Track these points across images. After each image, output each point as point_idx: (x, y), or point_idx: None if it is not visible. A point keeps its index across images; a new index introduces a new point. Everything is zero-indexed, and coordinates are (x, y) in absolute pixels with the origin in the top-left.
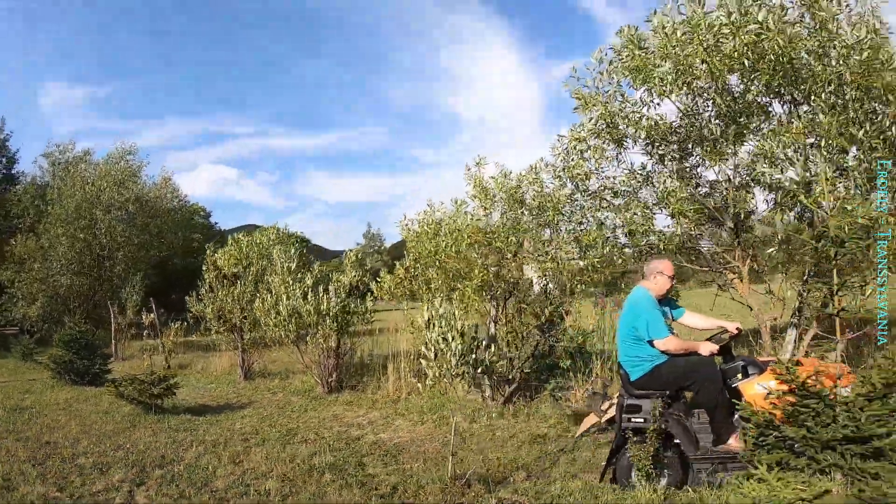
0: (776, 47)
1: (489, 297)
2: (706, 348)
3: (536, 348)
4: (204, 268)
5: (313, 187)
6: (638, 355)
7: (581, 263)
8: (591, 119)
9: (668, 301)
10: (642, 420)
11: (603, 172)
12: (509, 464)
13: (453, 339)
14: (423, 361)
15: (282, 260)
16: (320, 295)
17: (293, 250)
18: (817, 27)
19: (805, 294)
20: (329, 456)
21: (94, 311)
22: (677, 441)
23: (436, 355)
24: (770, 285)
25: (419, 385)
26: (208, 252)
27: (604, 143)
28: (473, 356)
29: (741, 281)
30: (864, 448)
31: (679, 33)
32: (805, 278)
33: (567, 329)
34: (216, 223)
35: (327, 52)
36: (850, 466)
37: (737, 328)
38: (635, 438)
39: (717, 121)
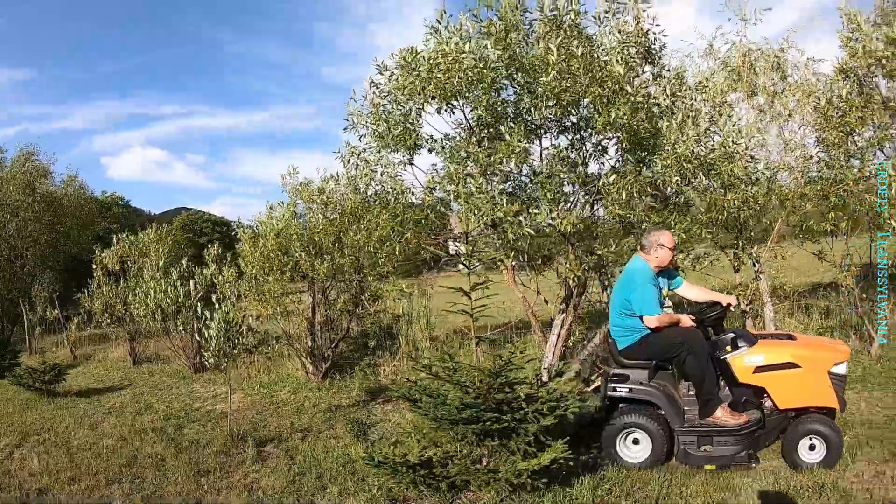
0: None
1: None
2: (686, 320)
3: (348, 331)
4: (94, 265)
5: (244, 168)
6: (628, 326)
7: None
8: (360, 137)
9: (666, 271)
10: (627, 389)
11: (399, 178)
12: (293, 426)
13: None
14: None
15: (155, 257)
16: (180, 289)
17: (164, 248)
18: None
19: None
20: (163, 422)
21: (10, 309)
22: (663, 412)
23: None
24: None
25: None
26: (96, 252)
27: (392, 152)
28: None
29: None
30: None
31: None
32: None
33: (378, 314)
34: (148, 210)
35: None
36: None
37: (728, 303)
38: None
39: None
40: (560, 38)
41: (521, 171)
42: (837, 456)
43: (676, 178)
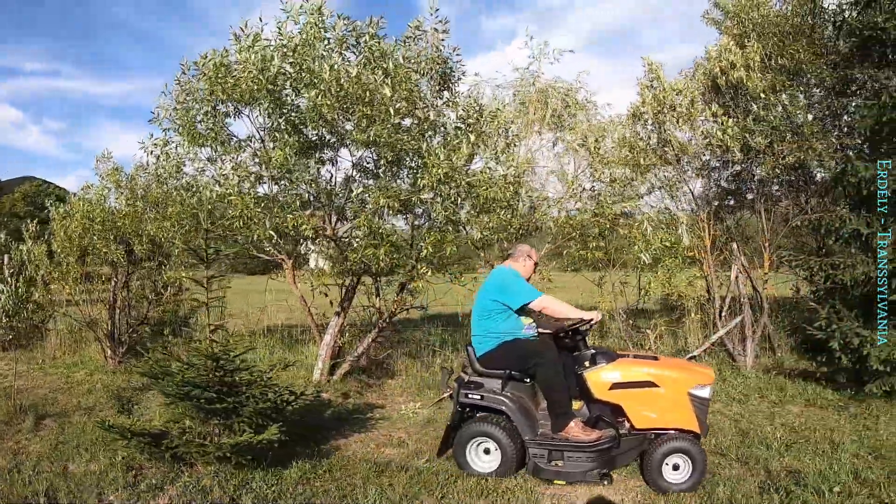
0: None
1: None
2: (591, 315)
3: (147, 317)
4: None
5: (105, 141)
6: (489, 330)
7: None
8: (164, 131)
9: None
10: (479, 397)
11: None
12: (79, 404)
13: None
14: None
15: None
16: None
17: None
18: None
19: None
20: None
21: None
22: (515, 423)
23: None
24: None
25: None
26: None
27: (198, 147)
28: None
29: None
30: None
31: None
32: None
33: (180, 302)
34: None
35: None
36: None
37: (592, 319)
38: (470, 414)
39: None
40: (335, 58)
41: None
42: (702, 475)
43: (429, 195)
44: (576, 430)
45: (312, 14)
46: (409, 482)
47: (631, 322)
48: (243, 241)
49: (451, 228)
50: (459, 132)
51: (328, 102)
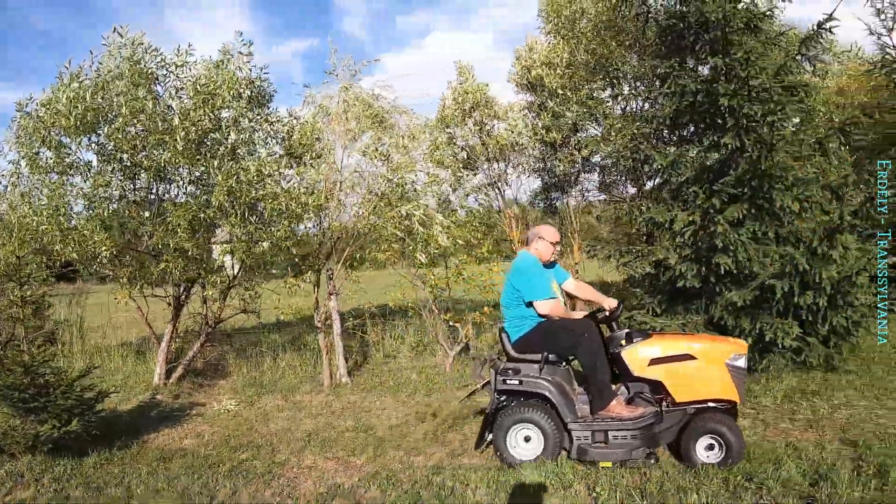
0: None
1: None
2: (611, 303)
3: (13, 335)
4: None
5: None
6: (520, 316)
7: None
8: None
9: (554, 267)
10: (517, 382)
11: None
12: None
13: None
14: None
15: None
16: None
17: None
18: None
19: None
20: None
21: None
22: (555, 407)
23: None
24: None
25: None
26: None
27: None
28: None
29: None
30: None
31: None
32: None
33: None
34: None
35: None
36: None
37: (614, 306)
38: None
39: None
40: (138, 92)
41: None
42: (738, 457)
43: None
44: (619, 408)
45: (132, 47)
46: (182, 466)
47: (441, 316)
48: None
49: (242, 241)
50: (260, 147)
51: (120, 137)
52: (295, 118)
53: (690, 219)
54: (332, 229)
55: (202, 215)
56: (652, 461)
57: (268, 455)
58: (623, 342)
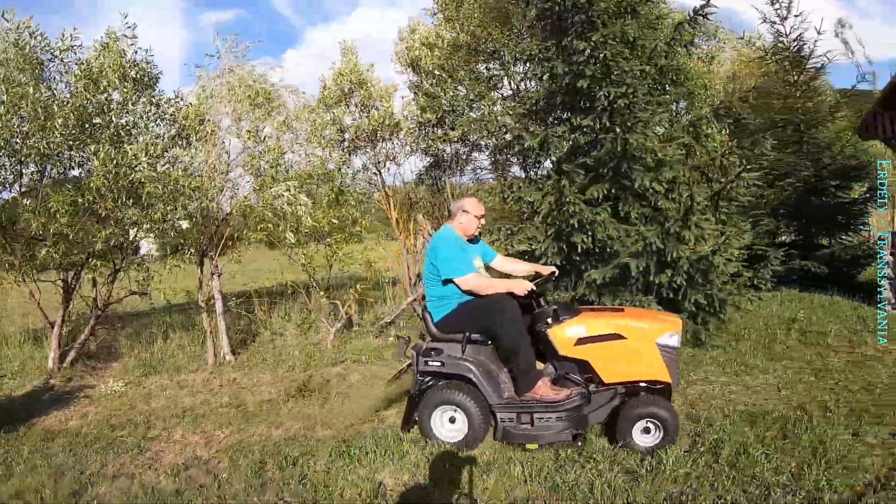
0: None
1: None
2: (521, 286)
3: None
4: None
5: None
6: (441, 296)
7: None
8: None
9: (480, 244)
10: (439, 364)
11: None
12: None
13: None
14: None
15: None
16: None
17: None
18: None
19: None
20: None
21: None
22: (479, 388)
23: None
24: None
25: None
26: None
27: None
28: None
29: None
30: None
31: None
32: None
33: None
34: None
35: None
36: None
37: (552, 272)
38: (431, 383)
39: None
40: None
41: None
42: (674, 440)
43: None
44: (544, 389)
45: (17, 31)
46: (62, 445)
47: (320, 294)
48: None
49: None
50: (143, 132)
51: (2, 125)
52: (180, 99)
53: (547, 199)
54: (212, 210)
55: (80, 199)
56: (579, 443)
57: (143, 431)
58: (549, 320)
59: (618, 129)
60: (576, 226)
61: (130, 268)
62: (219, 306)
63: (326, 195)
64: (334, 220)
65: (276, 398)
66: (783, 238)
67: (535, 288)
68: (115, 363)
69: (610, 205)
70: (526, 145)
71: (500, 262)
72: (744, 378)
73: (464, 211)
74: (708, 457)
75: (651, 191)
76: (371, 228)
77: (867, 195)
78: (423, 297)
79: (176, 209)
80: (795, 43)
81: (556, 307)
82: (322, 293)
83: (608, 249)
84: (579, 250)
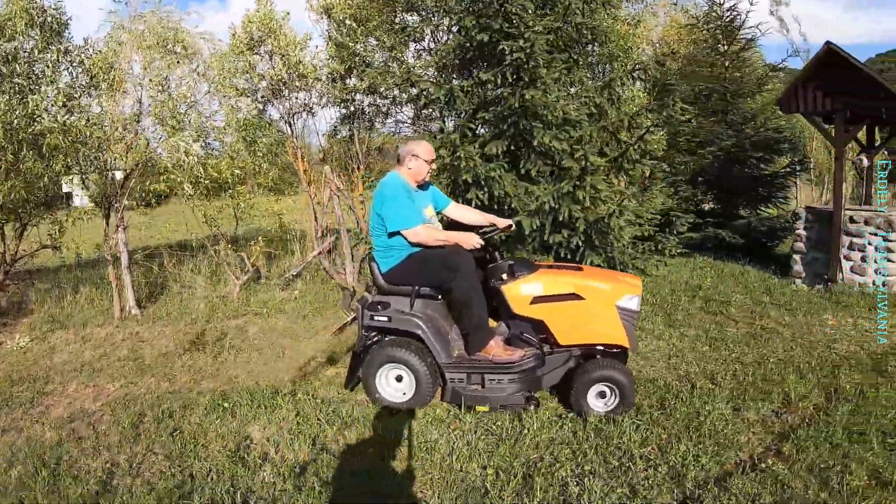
0: None
1: None
2: (470, 240)
3: None
4: None
5: None
6: (388, 246)
7: None
8: None
9: (431, 191)
10: (386, 318)
11: None
12: None
13: None
14: None
15: None
16: None
17: None
18: None
19: None
20: None
21: None
22: (427, 345)
23: None
24: None
25: None
26: None
27: None
28: None
29: None
30: None
31: None
32: None
33: None
34: None
35: None
36: None
37: (508, 224)
38: (377, 338)
39: None
40: None
41: None
42: (630, 405)
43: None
44: (496, 349)
45: None
46: None
47: (230, 247)
48: None
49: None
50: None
51: None
52: (90, 47)
53: (440, 153)
54: (118, 160)
55: None
56: (532, 406)
57: (40, 386)
58: (504, 276)
59: (519, 85)
60: (470, 181)
61: (40, 222)
62: (124, 259)
63: (231, 145)
64: (237, 170)
65: (172, 351)
66: (705, 207)
67: (483, 243)
68: (24, 319)
69: (507, 161)
70: (432, 98)
71: (454, 210)
72: (639, 344)
73: (413, 155)
74: (575, 423)
75: (554, 149)
76: (280, 180)
77: (789, 169)
78: (331, 251)
79: (78, 161)
80: (729, 13)
81: (511, 262)
82: (228, 245)
83: (506, 207)
84: (474, 206)
